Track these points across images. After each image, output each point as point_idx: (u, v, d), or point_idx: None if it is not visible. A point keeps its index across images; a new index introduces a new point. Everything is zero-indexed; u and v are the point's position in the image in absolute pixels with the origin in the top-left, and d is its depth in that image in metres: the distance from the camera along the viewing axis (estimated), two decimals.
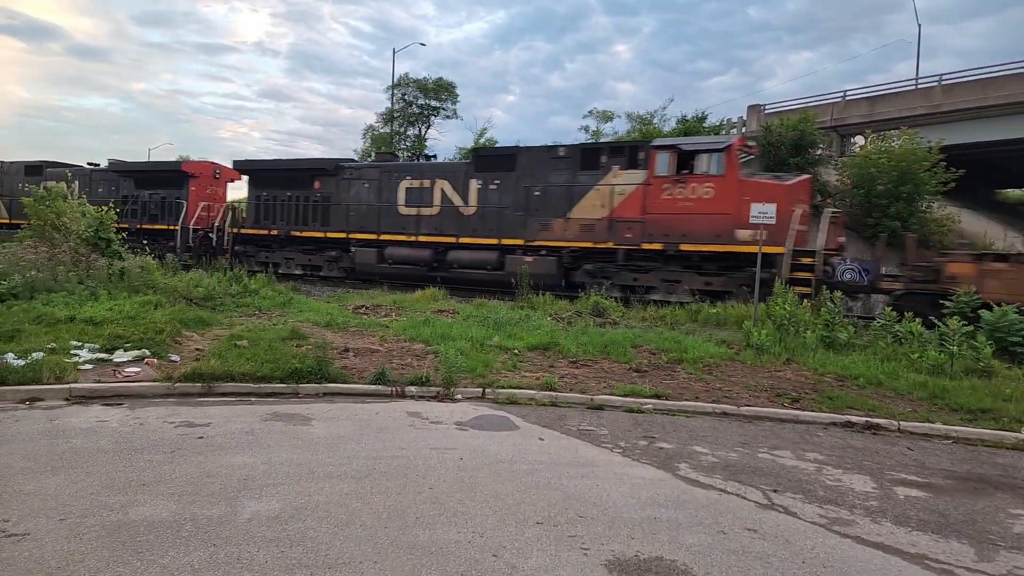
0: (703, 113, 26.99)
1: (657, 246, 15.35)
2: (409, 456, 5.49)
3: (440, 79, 43.46)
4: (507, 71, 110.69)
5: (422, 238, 18.88)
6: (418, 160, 23.90)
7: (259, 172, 23.08)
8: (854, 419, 7.39)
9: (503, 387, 7.74)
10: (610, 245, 15.98)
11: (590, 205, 16.32)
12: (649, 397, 7.70)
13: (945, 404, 7.76)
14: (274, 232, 21.84)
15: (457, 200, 18.49)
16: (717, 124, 27.48)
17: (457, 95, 43.77)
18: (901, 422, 7.25)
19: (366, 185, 20.22)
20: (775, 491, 5.12)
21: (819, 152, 25.13)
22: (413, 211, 19.14)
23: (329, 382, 7.64)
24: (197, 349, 8.68)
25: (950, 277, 12.62)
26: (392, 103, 42.62)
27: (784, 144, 23.70)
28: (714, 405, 7.60)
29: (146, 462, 5.10)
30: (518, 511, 4.46)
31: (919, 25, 50.32)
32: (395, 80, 41.69)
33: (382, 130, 43.00)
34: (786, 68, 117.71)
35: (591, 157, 16.61)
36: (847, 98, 30.62)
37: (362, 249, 19.87)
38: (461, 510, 4.44)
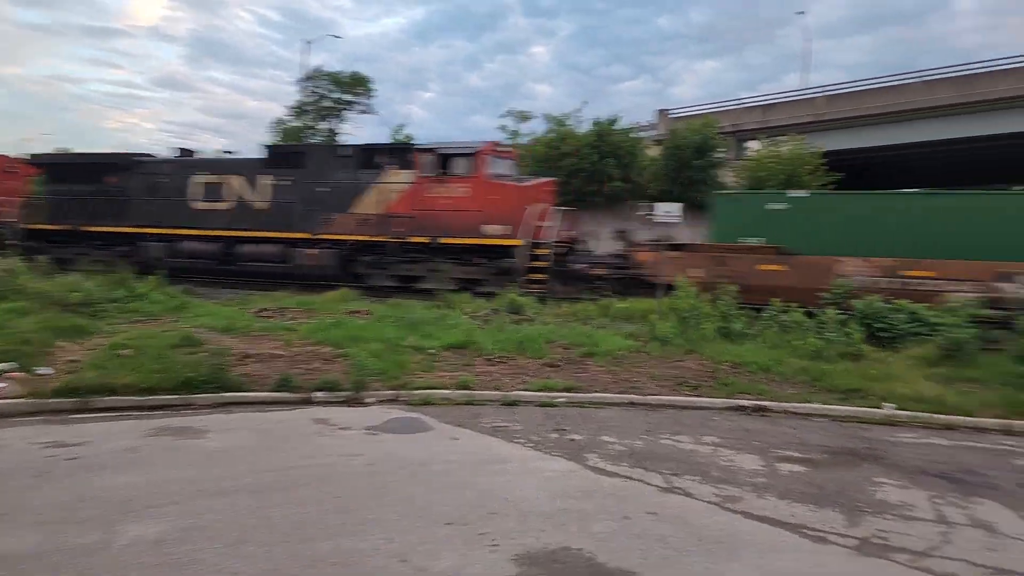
0: (615, 117, 27.97)
1: (424, 239, 16.75)
2: (314, 465, 5.40)
3: (355, 73, 42.38)
4: (426, 68, 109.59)
5: (213, 232, 19.06)
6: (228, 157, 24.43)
7: (55, 166, 22.55)
8: (745, 403, 7.98)
9: (418, 388, 7.79)
10: (384, 238, 17.17)
11: (369, 202, 17.39)
12: (561, 391, 7.99)
13: (823, 385, 8.51)
14: (66, 227, 21.17)
15: (249, 196, 18.91)
16: (629, 127, 28.56)
17: (373, 90, 42.89)
18: (784, 404, 7.90)
19: (161, 180, 20.17)
20: (675, 475, 5.49)
21: (720, 155, 26.70)
22: (206, 206, 19.37)
23: (227, 391, 7.31)
24: (73, 360, 8.03)
25: (639, 263, 16.00)
26: (303, 96, 41.19)
27: (689, 147, 25.00)
28: (622, 396, 7.99)
29: (6, 489, 4.67)
30: (429, 513, 4.56)
31: (807, 41, 54.02)
32: (307, 72, 40.16)
33: (292, 124, 41.44)
34: (692, 75, 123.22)
35: (370, 157, 17.71)
36: (744, 105, 32.66)
37: (151, 244, 19.74)
38: (369, 517, 4.44)
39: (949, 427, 7.35)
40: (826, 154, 23.38)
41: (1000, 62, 28.38)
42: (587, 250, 19.02)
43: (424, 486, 5.05)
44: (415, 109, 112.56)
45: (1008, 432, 7.24)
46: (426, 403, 7.46)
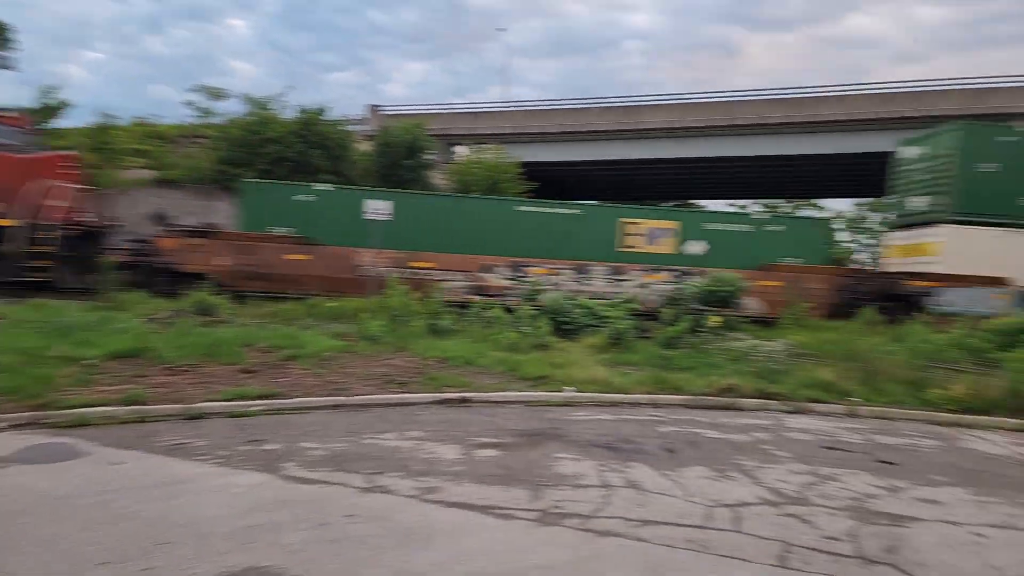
0: (324, 107, 27.04)
1: None
2: None
3: None
4: (90, 23, 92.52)
5: None
6: None
7: None
8: (450, 396, 8.32)
9: (69, 408, 6.46)
10: None
11: None
12: (257, 398, 7.36)
13: (517, 375, 9.30)
14: None
15: None
16: (338, 119, 27.88)
17: (12, 40, 34.85)
18: (484, 394, 8.43)
19: None
20: (377, 473, 5.42)
21: (429, 156, 27.67)
22: None
23: None
24: None
25: (163, 250, 15.39)
26: None
27: (400, 146, 25.37)
28: (327, 398, 7.67)
29: None
30: (77, 554, 3.78)
31: (506, 56, 59.26)
32: None
33: None
34: (403, 74, 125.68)
35: None
36: (454, 111, 34.40)
37: None
38: None
39: (614, 404, 8.58)
40: (524, 164, 25.89)
41: (658, 98, 34.91)
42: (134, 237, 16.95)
43: (72, 523, 4.17)
44: (76, 70, 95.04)
45: (655, 405, 8.72)
46: (81, 424, 6.22)
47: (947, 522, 4.93)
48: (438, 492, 5.08)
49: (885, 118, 26.94)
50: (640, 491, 5.29)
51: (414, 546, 4.12)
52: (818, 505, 5.16)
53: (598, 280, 16.41)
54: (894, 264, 20.17)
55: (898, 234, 20.76)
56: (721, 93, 31.30)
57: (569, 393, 8.66)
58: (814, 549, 4.30)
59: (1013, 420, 8.67)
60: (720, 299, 13.18)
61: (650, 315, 13.73)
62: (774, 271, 16.85)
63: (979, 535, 4.70)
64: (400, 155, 25.42)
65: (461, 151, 28.31)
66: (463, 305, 12.62)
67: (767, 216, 20.97)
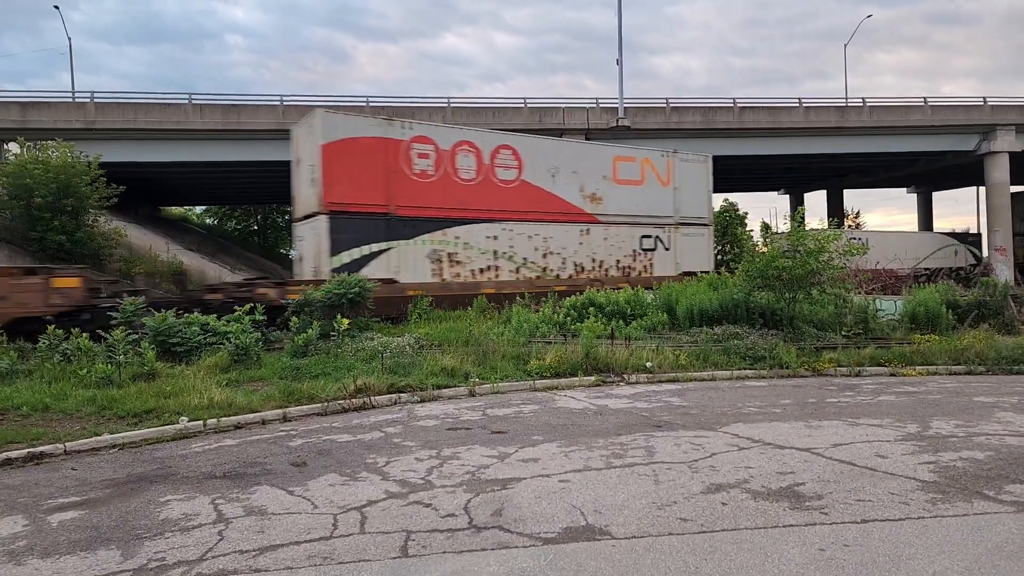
0: None
1: None
2: None
3: None
4: None
5: None
6: None
7: None
8: (14, 454, 6.54)
9: None
10: None
11: None
12: None
13: (114, 413, 7.81)
14: None
15: None
16: None
17: None
18: (67, 443, 6.85)
19: None
20: None
21: None
22: None
23: None
24: None
25: None
26: None
27: None
28: None
29: None
30: None
31: (69, 38, 50.08)
32: None
33: None
34: None
35: None
36: None
37: None
38: None
39: (238, 426, 7.83)
40: (105, 165, 21.99)
41: (262, 98, 33.02)
42: None
43: None
44: None
45: (286, 419, 8.24)
46: None
47: (541, 476, 5.70)
48: None
49: None
50: (262, 516, 4.84)
51: None
52: (439, 487, 5.44)
53: None
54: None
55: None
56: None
57: (183, 424, 7.60)
58: (434, 530, 4.49)
59: (589, 378, 10.64)
60: (349, 301, 13.23)
61: (278, 325, 13.06)
62: None
63: (564, 481, 5.53)
64: None
65: (14, 148, 22.54)
66: (32, 340, 10.09)
67: None
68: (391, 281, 17.17)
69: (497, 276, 19.63)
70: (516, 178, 20.17)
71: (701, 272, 21.39)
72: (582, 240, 21.60)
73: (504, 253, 19.86)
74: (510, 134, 21.47)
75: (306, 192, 17.69)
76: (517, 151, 20.22)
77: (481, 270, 19.38)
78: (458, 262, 18.96)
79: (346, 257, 16.87)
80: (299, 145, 18.20)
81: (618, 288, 17.23)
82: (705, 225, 25.10)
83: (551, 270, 20.78)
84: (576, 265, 21.37)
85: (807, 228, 15.71)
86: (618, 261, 22.49)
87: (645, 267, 23.16)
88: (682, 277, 21.23)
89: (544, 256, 20.69)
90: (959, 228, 50.15)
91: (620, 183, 22.53)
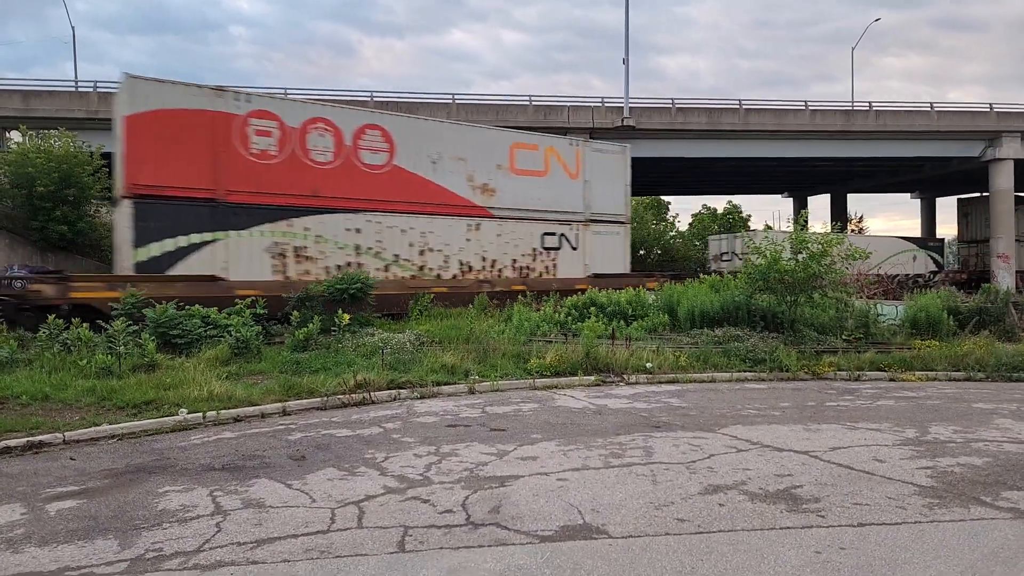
0: None
1: None
2: None
3: None
4: None
5: None
6: None
7: None
8: (13, 443, 6.56)
9: None
10: None
11: None
12: None
13: (114, 404, 7.82)
14: None
15: None
16: None
17: None
18: (67, 433, 6.87)
19: None
20: None
21: None
22: None
23: None
24: None
25: None
26: None
27: None
28: None
29: None
30: None
31: (73, 27, 50.04)
32: None
33: None
34: None
35: None
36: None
37: None
38: None
39: (238, 419, 7.85)
40: (107, 156, 21.96)
41: (264, 91, 32.65)
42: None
43: None
44: None
45: (285, 413, 8.26)
46: None
47: (540, 474, 5.70)
48: None
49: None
50: (260, 509, 4.86)
51: None
52: (438, 483, 5.45)
53: None
54: None
55: None
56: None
57: (183, 416, 7.61)
58: (431, 526, 4.50)
59: (589, 378, 10.65)
60: (351, 296, 13.24)
61: (279, 319, 13.07)
62: None
63: (562, 480, 5.54)
64: None
65: (16, 137, 22.41)
66: (32, 329, 10.11)
67: None
68: (213, 279, 14.68)
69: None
70: (386, 163, 17.57)
71: (614, 275, 20.29)
72: (470, 236, 19.07)
73: (369, 248, 17.25)
74: (378, 112, 18.74)
75: (117, 172, 15.13)
76: (388, 132, 17.59)
77: (339, 267, 16.50)
78: (308, 257, 16.23)
79: (156, 249, 14.34)
80: (115, 119, 15.48)
81: (512, 291, 16.49)
82: (621, 223, 22.58)
83: (430, 269, 18.32)
84: (462, 264, 18.93)
85: (798, 232, 15.70)
86: (514, 261, 19.92)
87: (547, 268, 20.58)
88: (592, 280, 19.89)
89: (421, 253, 18.21)
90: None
91: (519, 173, 19.98)
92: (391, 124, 17.83)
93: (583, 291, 16.22)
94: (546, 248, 20.64)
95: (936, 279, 32.24)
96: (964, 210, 43.41)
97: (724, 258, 35.49)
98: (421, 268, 18.19)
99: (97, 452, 6.53)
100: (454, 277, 18.61)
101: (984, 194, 39.47)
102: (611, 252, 22.10)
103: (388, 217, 17.57)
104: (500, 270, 19.62)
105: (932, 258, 41.10)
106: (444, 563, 3.92)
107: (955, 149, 35.90)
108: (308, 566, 3.90)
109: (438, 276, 18.34)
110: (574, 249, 21.21)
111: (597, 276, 20.73)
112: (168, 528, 4.51)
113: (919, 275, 37.35)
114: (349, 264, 16.67)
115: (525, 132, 22.44)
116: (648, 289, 18.82)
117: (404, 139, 17.85)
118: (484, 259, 19.37)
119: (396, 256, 17.73)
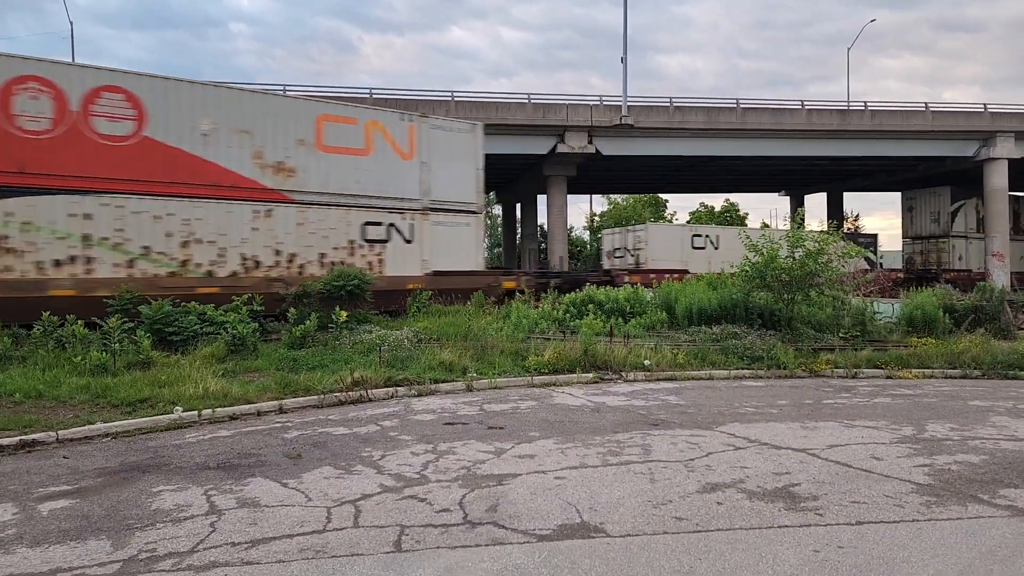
0: None
1: None
2: None
3: None
4: None
5: None
6: None
7: None
8: (6, 441, 6.51)
9: None
10: None
11: None
12: None
13: (108, 401, 7.78)
14: None
15: None
16: None
17: None
18: (60, 431, 6.82)
19: None
20: None
21: None
22: None
23: None
24: None
25: None
26: None
27: None
28: None
29: None
30: None
31: (71, 22, 49.64)
32: None
33: None
34: None
35: None
36: None
37: None
38: None
39: (233, 417, 7.80)
40: None
41: (263, 87, 32.50)
42: None
43: None
44: None
45: (281, 411, 8.22)
46: None
47: (537, 472, 5.67)
48: None
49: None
50: (255, 508, 4.82)
51: None
52: (435, 482, 5.42)
53: None
54: None
55: None
56: None
57: (178, 414, 7.56)
58: (428, 525, 4.46)
59: (587, 375, 10.63)
60: (348, 293, 13.19)
61: (276, 316, 13.02)
62: None
63: (560, 478, 5.51)
64: None
65: None
66: (27, 326, 10.03)
67: None
68: None
69: (90, 272, 13.24)
70: (133, 133, 13.87)
71: (461, 272, 17.87)
72: (257, 225, 15.33)
73: (105, 239, 13.49)
74: (122, 72, 14.34)
75: None
76: (135, 96, 13.88)
77: (57, 262, 13.01)
78: (9, 250, 12.64)
79: None
80: None
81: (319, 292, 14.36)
82: (471, 213, 19.00)
83: (198, 265, 14.53)
84: (245, 259, 15.10)
85: (792, 230, 15.68)
86: (323, 255, 16.25)
87: (371, 263, 16.94)
88: (430, 278, 17.29)
89: (184, 245, 14.38)
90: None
91: (329, 151, 16.51)
92: (139, 87, 14.08)
93: (418, 291, 15.17)
94: (369, 240, 17.11)
95: (868, 278, 31.24)
96: (908, 204, 40.54)
97: (617, 255, 34.35)
98: (184, 264, 14.41)
99: (91, 451, 6.48)
100: (233, 275, 14.91)
101: (933, 189, 39.17)
102: (457, 246, 18.70)
103: (134, 200, 13.83)
104: (302, 266, 15.94)
105: (864, 257, 39.92)
106: (441, 563, 3.89)
107: (950, 149, 35.98)
108: (303, 566, 3.86)
109: (209, 273, 14.68)
110: (408, 242, 17.76)
111: (438, 274, 17.78)
112: (162, 528, 4.47)
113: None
114: (73, 259, 13.20)
115: (338, 103, 18.69)
116: (505, 289, 17.90)
117: (159, 106, 14.24)
118: (279, 253, 15.69)
119: (146, 249, 13.95)
